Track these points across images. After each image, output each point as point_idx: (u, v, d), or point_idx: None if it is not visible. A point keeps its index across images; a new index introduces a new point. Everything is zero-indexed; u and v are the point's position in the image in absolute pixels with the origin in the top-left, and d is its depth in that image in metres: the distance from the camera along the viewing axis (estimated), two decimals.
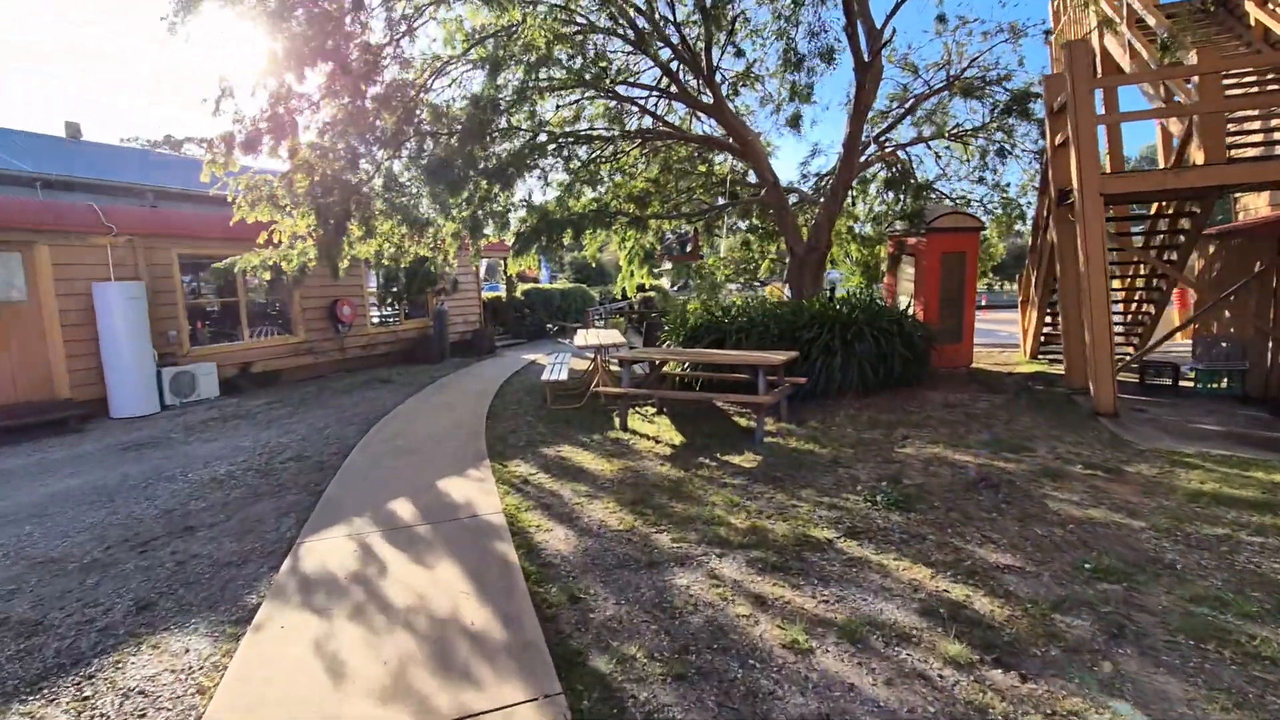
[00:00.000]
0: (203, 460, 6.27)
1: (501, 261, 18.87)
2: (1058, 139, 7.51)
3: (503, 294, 18.97)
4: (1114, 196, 6.56)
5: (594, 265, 10.59)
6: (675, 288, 28.46)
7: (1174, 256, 8.08)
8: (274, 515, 4.63)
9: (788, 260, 9.47)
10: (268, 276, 8.59)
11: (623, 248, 11.80)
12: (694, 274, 10.57)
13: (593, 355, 9.43)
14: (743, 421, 7.06)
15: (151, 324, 9.53)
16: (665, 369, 7.81)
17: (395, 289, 13.42)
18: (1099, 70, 8.40)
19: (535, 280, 28.64)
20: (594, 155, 10.04)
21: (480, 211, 8.15)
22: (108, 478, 5.79)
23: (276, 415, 8.44)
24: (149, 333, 9.24)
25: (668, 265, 15.18)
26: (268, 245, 8.39)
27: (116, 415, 8.89)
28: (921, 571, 3.35)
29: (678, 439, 6.42)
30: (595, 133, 9.97)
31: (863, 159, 9.71)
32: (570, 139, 9.51)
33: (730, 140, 9.42)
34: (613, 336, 9.29)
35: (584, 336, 9.44)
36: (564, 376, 8.13)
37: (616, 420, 7.20)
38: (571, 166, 10.03)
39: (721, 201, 10.70)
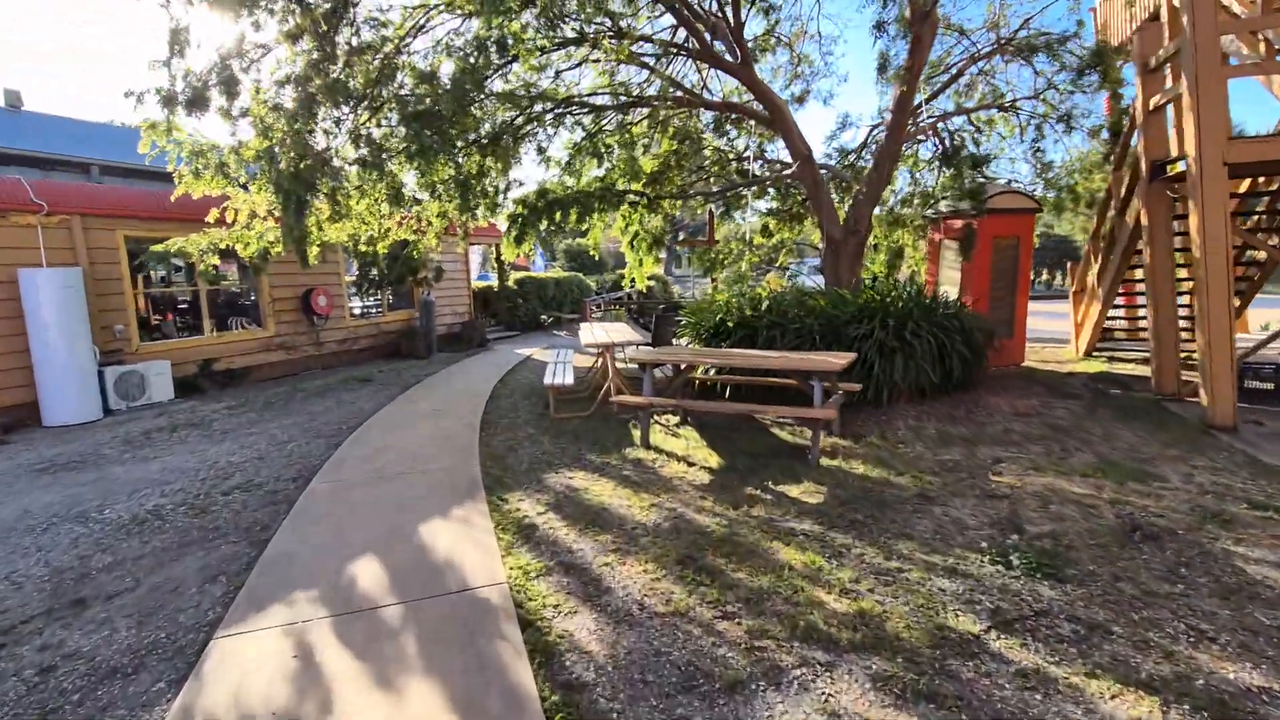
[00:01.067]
0: (130, 488, 5.08)
1: (494, 248, 17.63)
2: (1152, 101, 6.39)
3: (494, 283, 17.73)
4: (1238, 167, 5.46)
5: (593, 254, 9.46)
6: (673, 277, 27.26)
7: (1276, 240, 7.01)
8: (197, 580, 3.46)
9: (821, 246, 8.32)
10: (216, 261, 7.36)
11: (626, 233, 10.59)
12: (715, 262, 9.39)
13: (599, 354, 8.28)
14: (785, 435, 5.94)
15: (94, 316, 8.27)
16: (692, 372, 6.66)
17: (374, 276, 12.16)
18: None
19: (527, 269, 27.36)
20: (601, 125, 8.83)
21: (470, 190, 6.93)
22: (1, 514, 4.59)
23: (235, 424, 7.24)
24: (88, 327, 7.97)
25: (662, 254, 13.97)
26: (220, 225, 7.17)
27: (50, 423, 7.65)
28: (1141, 701, 2.24)
29: (713, 459, 5.29)
30: (600, 101, 8.75)
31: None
32: (576, 105, 8.29)
33: (757, 107, 8.22)
34: (623, 333, 8.14)
35: (590, 332, 8.27)
36: (569, 380, 6.97)
37: (635, 433, 6.06)
38: (575, 138, 8.83)
39: (737, 179, 9.52)
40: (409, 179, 7.96)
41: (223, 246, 7.19)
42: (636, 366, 9.47)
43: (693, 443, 5.79)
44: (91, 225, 8.40)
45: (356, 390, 9.09)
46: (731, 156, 9.80)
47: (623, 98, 8.21)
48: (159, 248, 6.99)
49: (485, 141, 7.32)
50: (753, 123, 9.75)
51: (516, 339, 15.54)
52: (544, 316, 18.17)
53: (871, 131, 10.20)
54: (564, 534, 3.86)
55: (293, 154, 5.69)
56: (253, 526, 4.18)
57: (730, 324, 7.14)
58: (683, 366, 6.26)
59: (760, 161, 10.29)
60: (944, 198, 9.03)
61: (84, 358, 7.87)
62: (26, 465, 5.93)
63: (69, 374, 7.72)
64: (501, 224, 9.84)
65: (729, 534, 3.76)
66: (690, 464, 5.19)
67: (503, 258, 16.58)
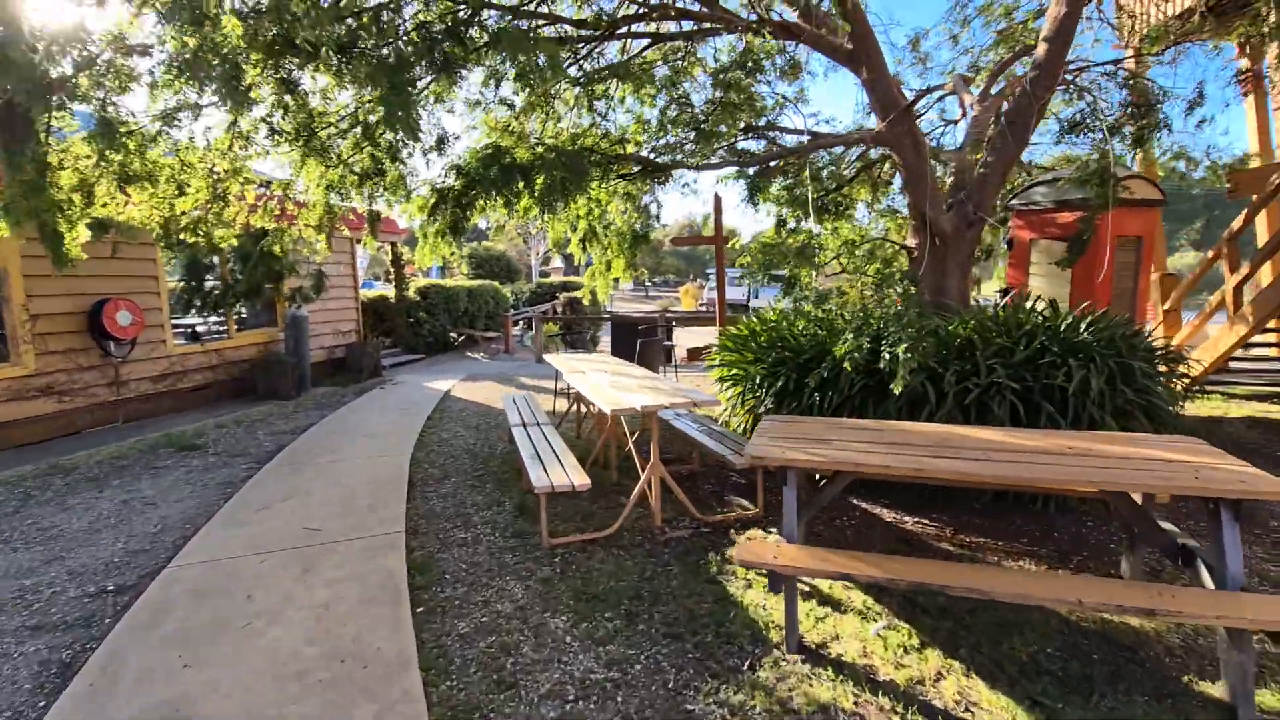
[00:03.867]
0: None
1: (389, 247, 13.76)
2: None
3: (387, 292, 13.83)
4: None
5: (573, 255, 6.55)
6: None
7: None
8: None
9: (911, 245, 5.66)
10: None
11: (577, 229, 7.33)
12: (782, 270, 6.31)
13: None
14: (1069, 612, 3.10)
15: None
16: (842, 480, 3.55)
17: (213, 288, 8.19)
18: None
19: (415, 276, 22.85)
20: (582, 54, 5.73)
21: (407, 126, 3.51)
22: None
23: None
24: None
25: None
26: None
27: None
28: None
29: (988, 701, 2.35)
30: (580, 16, 5.60)
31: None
32: (544, 20, 5.16)
33: (827, 35, 5.40)
34: (643, 378, 5.01)
35: (586, 376, 5.03)
36: (577, 480, 3.74)
37: (732, 588, 3.01)
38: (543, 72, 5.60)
39: (787, 144, 6.74)
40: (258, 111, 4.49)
41: None
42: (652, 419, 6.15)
43: (890, 633, 2.80)
44: None
45: (167, 471, 5.31)
46: (746, 120, 6.94)
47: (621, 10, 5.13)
48: None
49: (421, 45, 3.98)
50: (776, 74, 7.00)
51: (422, 365, 11.87)
52: (453, 335, 14.49)
53: (1031, 67, 7.71)
54: None
55: None
56: None
57: (844, 366, 4.24)
58: (827, 472, 3.24)
59: (771, 133, 7.52)
60: (1046, 181, 6.76)
61: None
62: None
63: None
64: (401, 217, 6.49)
65: None
66: None
67: (419, 261, 12.79)
